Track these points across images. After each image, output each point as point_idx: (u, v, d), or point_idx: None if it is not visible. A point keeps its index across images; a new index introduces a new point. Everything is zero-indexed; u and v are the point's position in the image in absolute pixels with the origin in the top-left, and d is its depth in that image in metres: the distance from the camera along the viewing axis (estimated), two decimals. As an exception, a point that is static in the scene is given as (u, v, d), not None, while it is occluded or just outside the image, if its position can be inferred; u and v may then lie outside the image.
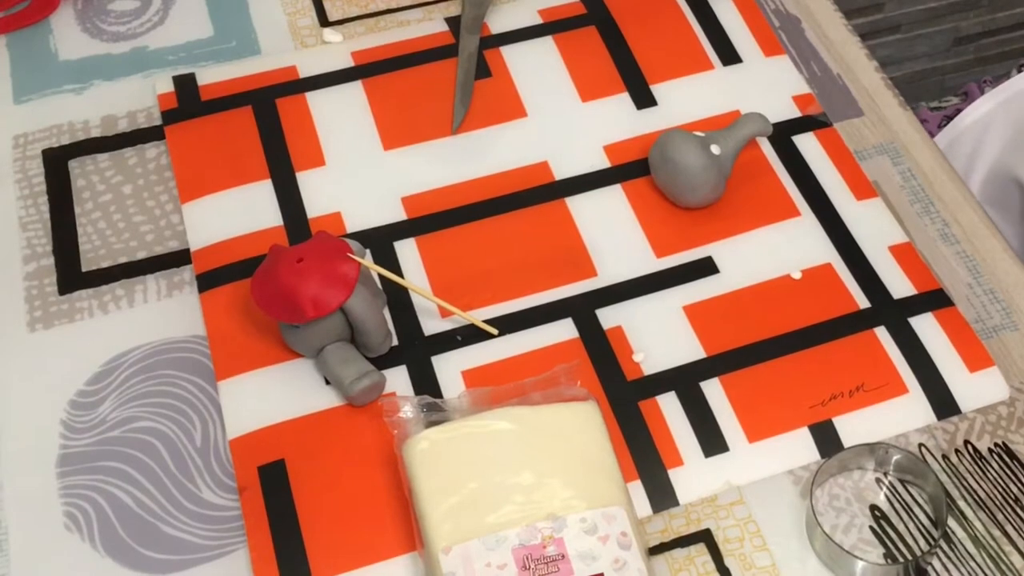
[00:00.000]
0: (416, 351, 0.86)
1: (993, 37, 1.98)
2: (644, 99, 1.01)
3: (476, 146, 0.98)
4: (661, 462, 0.80)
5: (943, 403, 0.83)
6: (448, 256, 0.91)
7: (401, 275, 0.89)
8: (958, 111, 1.29)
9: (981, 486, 0.80)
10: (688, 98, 1.01)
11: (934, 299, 0.88)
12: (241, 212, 0.93)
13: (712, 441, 0.81)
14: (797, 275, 0.89)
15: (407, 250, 0.91)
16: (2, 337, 0.87)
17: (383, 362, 0.85)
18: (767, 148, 0.97)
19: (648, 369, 0.85)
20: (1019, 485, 0.80)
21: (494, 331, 0.86)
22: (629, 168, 0.96)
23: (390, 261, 0.91)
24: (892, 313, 0.87)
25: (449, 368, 0.85)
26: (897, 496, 0.79)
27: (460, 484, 0.74)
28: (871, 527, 0.78)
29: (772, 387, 0.84)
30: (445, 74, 1.03)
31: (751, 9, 1.08)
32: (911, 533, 0.78)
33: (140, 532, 0.78)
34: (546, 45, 1.05)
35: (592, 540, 0.72)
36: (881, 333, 0.86)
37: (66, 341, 0.87)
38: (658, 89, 1.02)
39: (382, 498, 0.79)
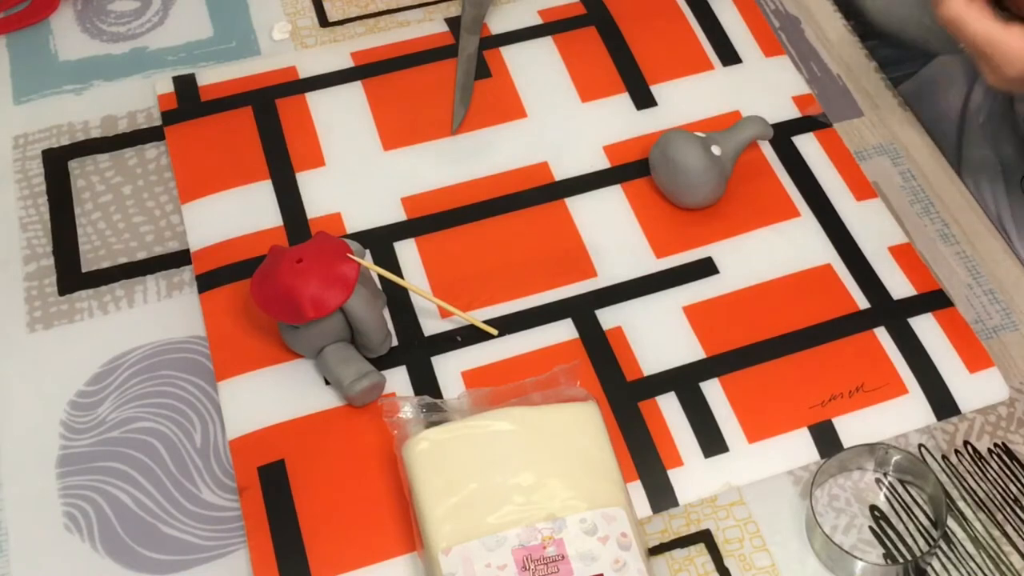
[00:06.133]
0: (416, 351, 0.86)
1: (993, 37, 1.97)
2: (644, 99, 1.01)
3: (476, 146, 0.98)
4: (661, 462, 0.80)
5: (943, 403, 0.83)
6: (448, 256, 0.91)
7: (401, 275, 0.89)
8: None
9: (981, 486, 0.80)
10: (688, 98, 1.01)
11: (934, 299, 0.88)
12: (241, 212, 0.93)
13: (712, 441, 0.81)
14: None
15: (407, 250, 0.91)
16: (2, 337, 0.87)
17: (383, 362, 0.85)
18: (767, 149, 0.97)
19: (648, 369, 0.85)
20: (1019, 485, 0.80)
21: (494, 331, 0.86)
22: (629, 168, 0.96)
23: (390, 261, 0.91)
24: (892, 313, 0.87)
25: (449, 368, 0.85)
26: (897, 496, 0.79)
27: (460, 484, 0.74)
28: (871, 527, 0.78)
29: (772, 387, 0.84)
30: (445, 74, 1.03)
31: (751, 9, 1.08)
32: (911, 533, 0.78)
33: (140, 532, 0.78)
34: (546, 45, 1.05)
35: (592, 541, 0.72)
36: (881, 334, 0.86)
37: (66, 341, 0.87)
38: (658, 89, 1.02)
39: (382, 498, 0.79)
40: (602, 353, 0.86)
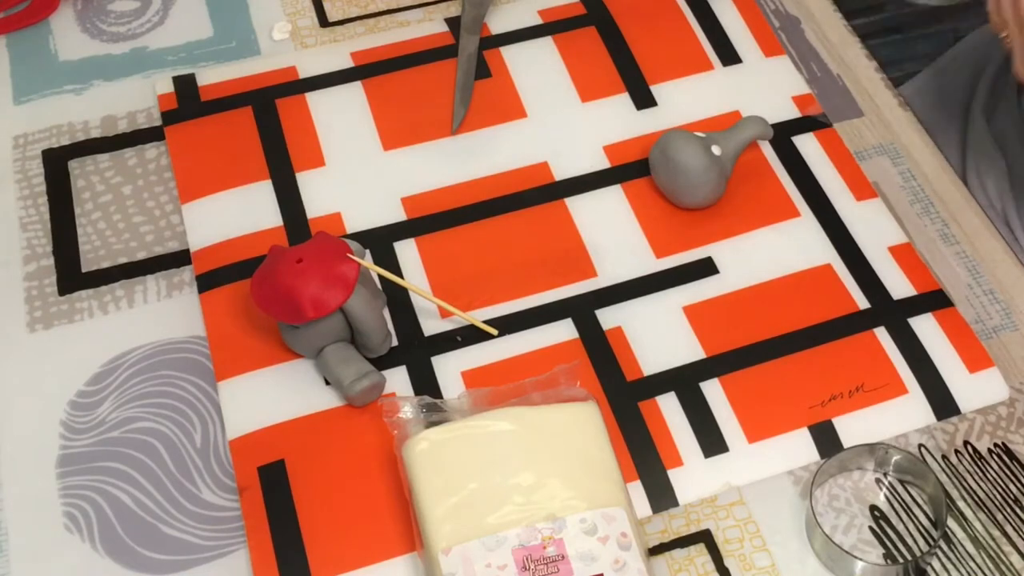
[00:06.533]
0: (416, 351, 0.86)
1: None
2: (644, 99, 1.01)
3: (476, 146, 0.98)
4: (661, 462, 0.81)
5: (943, 403, 0.83)
6: (448, 256, 0.91)
7: (401, 275, 0.89)
8: None
9: (981, 486, 0.80)
10: (688, 98, 1.01)
11: (934, 300, 0.88)
12: (241, 212, 0.93)
13: (712, 441, 0.81)
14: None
15: (407, 250, 0.91)
16: (2, 337, 0.87)
17: (383, 362, 0.85)
18: (767, 149, 0.97)
19: (648, 369, 0.85)
20: (1019, 485, 0.80)
21: (494, 331, 0.86)
22: (629, 168, 0.96)
23: (390, 261, 0.91)
24: (892, 314, 0.87)
25: (449, 368, 0.85)
26: (897, 496, 0.79)
27: (460, 485, 0.74)
28: (871, 527, 0.78)
29: (772, 387, 0.84)
30: (445, 74, 1.03)
31: (751, 9, 1.08)
32: (911, 533, 0.78)
33: (140, 532, 0.78)
34: (546, 45, 1.05)
35: (592, 541, 0.72)
36: (881, 334, 0.86)
37: (66, 341, 0.87)
38: (658, 89, 1.02)
39: (382, 498, 0.79)
40: (602, 353, 0.86)
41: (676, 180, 0.91)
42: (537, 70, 1.03)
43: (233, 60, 1.04)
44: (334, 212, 0.94)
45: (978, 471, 0.81)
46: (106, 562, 0.77)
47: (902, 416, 0.83)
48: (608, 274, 0.90)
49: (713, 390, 0.84)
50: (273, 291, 0.81)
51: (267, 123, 0.99)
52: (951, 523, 0.78)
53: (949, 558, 0.77)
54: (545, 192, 0.95)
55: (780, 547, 0.77)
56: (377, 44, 1.05)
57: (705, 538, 0.78)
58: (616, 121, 1.00)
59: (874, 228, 0.93)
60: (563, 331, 0.87)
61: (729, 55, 1.04)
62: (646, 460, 0.81)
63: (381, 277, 0.87)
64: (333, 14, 1.08)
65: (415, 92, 1.02)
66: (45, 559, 0.77)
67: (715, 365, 0.85)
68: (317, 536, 0.77)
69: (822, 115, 1.00)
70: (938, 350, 0.86)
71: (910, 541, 0.78)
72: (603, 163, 0.97)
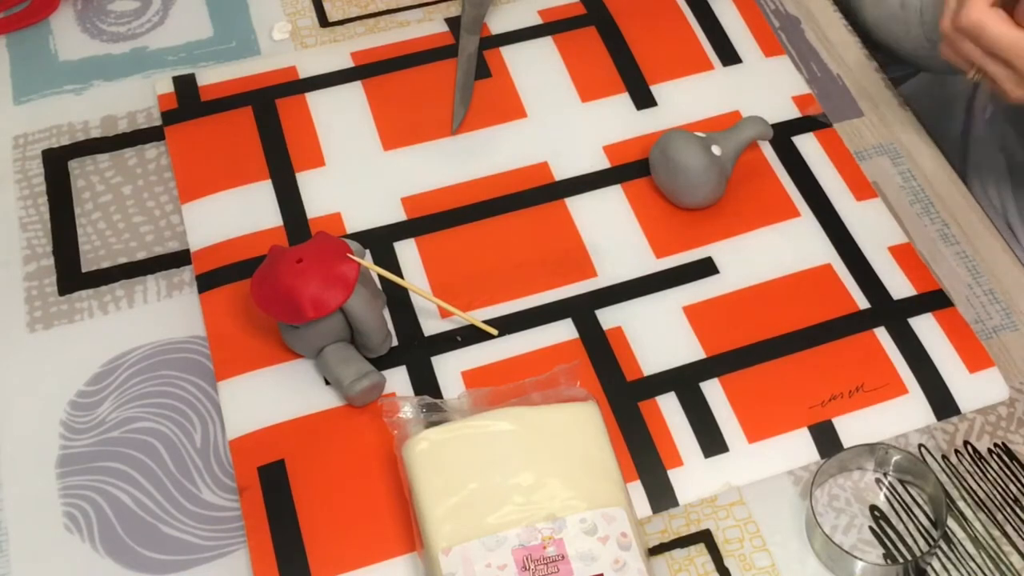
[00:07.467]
0: (416, 351, 0.86)
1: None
2: (644, 99, 1.01)
3: (476, 146, 0.98)
4: (661, 462, 0.80)
5: (943, 403, 0.83)
6: (448, 256, 0.91)
7: (401, 275, 0.89)
8: None
9: (981, 486, 0.80)
10: (688, 98, 1.01)
11: (934, 300, 0.88)
12: (241, 212, 0.93)
13: (712, 441, 0.81)
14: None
15: (407, 250, 0.91)
16: (2, 337, 0.87)
17: (383, 362, 0.85)
18: (767, 149, 0.97)
19: (648, 369, 0.85)
20: (1019, 485, 0.80)
21: (494, 331, 0.86)
22: (629, 168, 0.96)
23: (390, 261, 0.91)
24: (892, 314, 0.87)
25: (449, 368, 0.85)
26: (897, 496, 0.79)
27: (460, 485, 0.74)
28: (871, 527, 0.78)
29: (772, 387, 0.84)
30: (445, 74, 1.03)
31: (751, 9, 1.08)
32: (911, 533, 0.78)
33: (140, 532, 0.78)
34: (546, 45, 1.05)
35: (592, 541, 0.72)
36: (881, 334, 0.86)
37: (66, 341, 0.87)
38: (658, 89, 1.02)
39: (382, 498, 0.79)
40: (602, 353, 0.86)
41: (676, 180, 0.91)
42: (537, 70, 1.03)
43: (233, 60, 1.04)
44: (334, 212, 0.94)
45: (978, 471, 0.81)
46: (106, 562, 0.77)
47: (902, 416, 0.83)
48: (608, 274, 0.90)
49: (713, 390, 0.84)
50: (273, 291, 0.81)
51: (267, 123, 0.99)
52: (951, 523, 0.78)
53: (949, 558, 0.77)
54: (545, 192, 0.95)
55: (780, 547, 0.77)
56: (377, 44, 1.05)
57: (705, 538, 0.78)
58: (616, 121, 1.00)
59: (874, 228, 0.93)
60: (563, 331, 0.87)
61: (729, 55, 1.04)
62: (646, 460, 0.81)
63: (381, 277, 0.87)
64: (333, 14, 1.08)
65: (415, 92, 1.02)
66: (45, 559, 0.77)
67: (715, 365, 0.85)
68: (317, 536, 0.77)
69: (822, 115, 1.00)
70: (938, 350, 0.86)
71: (910, 541, 0.78)
72: (603, 163, 0.97)
